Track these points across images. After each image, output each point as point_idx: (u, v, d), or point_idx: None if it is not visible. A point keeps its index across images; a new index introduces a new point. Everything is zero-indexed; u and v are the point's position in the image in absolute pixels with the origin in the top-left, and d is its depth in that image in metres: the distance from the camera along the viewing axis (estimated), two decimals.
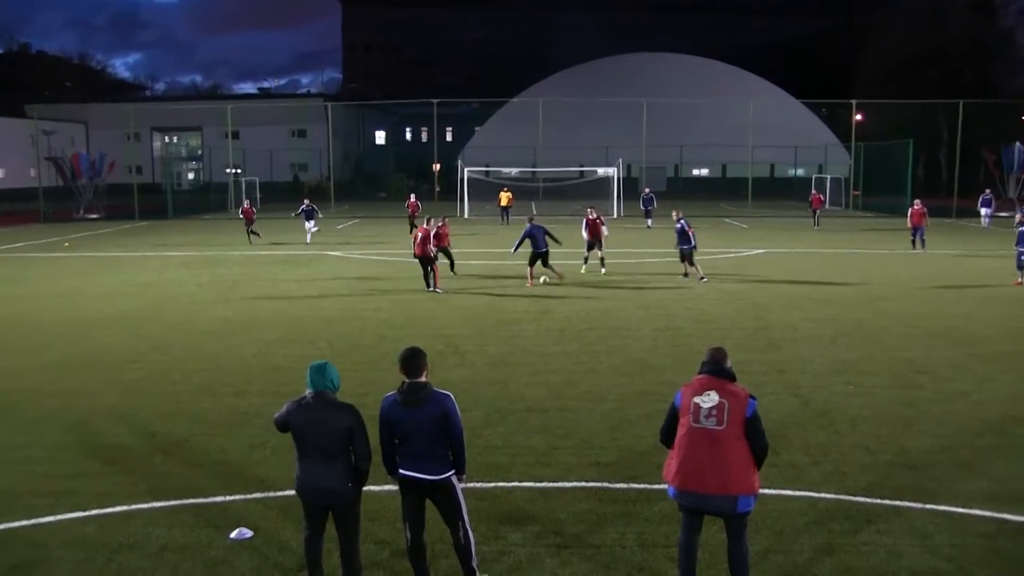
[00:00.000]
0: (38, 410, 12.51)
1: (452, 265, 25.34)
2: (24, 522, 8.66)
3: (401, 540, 7.35)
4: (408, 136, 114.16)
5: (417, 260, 22.83)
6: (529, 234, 23.74)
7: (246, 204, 38.86)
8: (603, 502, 8.99)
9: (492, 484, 9.37)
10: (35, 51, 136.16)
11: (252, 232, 37.50)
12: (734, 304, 20.79)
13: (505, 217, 46.55)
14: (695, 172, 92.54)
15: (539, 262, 23.76)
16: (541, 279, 23.98)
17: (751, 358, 14.90)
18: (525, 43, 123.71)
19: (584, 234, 26.30)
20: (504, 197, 47.24)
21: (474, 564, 7.11)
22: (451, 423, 6.85)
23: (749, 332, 17.50)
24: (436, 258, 22.92)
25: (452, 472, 6.96)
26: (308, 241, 36.44)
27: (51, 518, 8.75)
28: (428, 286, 22.70)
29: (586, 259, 26.41)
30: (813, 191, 46.71)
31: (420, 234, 22.42)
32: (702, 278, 24.14)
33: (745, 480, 6.66)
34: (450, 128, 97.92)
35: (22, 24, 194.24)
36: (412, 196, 42.58)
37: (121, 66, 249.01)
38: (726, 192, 76.59)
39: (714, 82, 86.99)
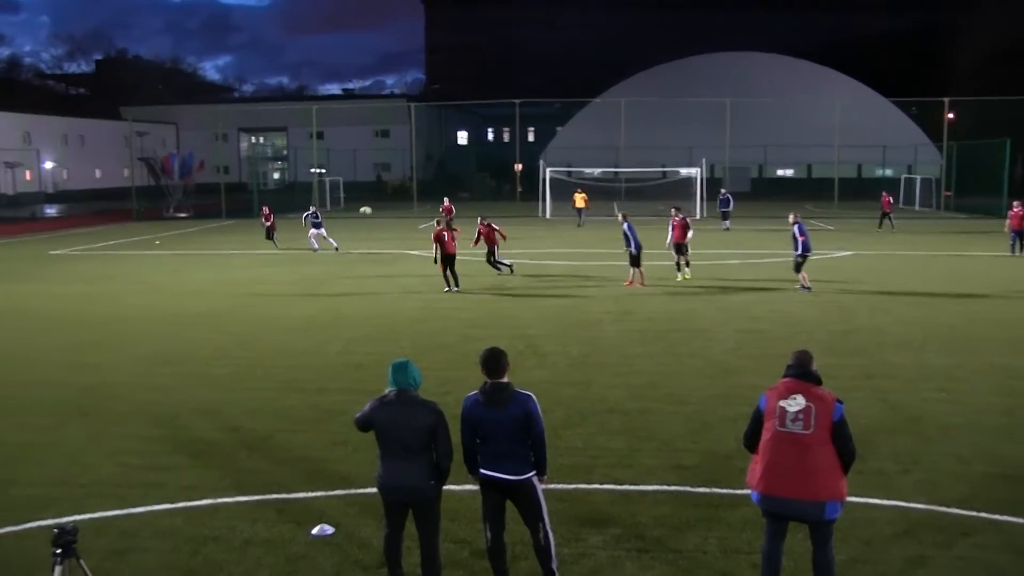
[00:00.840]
0: (129, 403, 12.84)
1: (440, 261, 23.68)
2: (117, 511, 8.88)
3: (481, 540, 7.33)
4: (490, 136, 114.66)
5: (444, 260, 23.02)
6: (628, 232, 23.46)
7: (266, 209, 37.38)
8: (685, 506, 8.86)
9: (573, 486, 9.31)
10: (131, 56, 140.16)
11: (270, 234, 35.87)
12: (819, 307, 20.36)
13: (580, 218, 45.90)
14: (779, 172, 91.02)
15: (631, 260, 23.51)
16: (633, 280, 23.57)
17: (837, 362, 14.55)
18: (608, 43, 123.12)
19: (670, 237, 25.16)
20: (579, 199, 46.60)
21: (554, 566, 7.06)
22: (533, 424, 6.81)
23: (835, 336, 17.12)
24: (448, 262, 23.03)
25: (533, 473, 6.92)
26: (316, 248, 33.75)
27: (141, 509, 8.95)
28: (453, 285, 22.94)
29: (679, 265, 24.69)
30: (884, 193, 45.29)
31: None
32: (804, 287, 22.40)
33: (833, 486, 6.48)
34: (532, 128, 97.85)
35: (121, 30, 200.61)
36: (446, 200, 41.97)
37: (211, 69, 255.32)
38: (811, 193, 75.12)
39: (800, 81, 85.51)
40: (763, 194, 75.58)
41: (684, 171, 56.56)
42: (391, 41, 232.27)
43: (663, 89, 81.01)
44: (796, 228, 22.46)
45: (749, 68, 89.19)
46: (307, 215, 35.72)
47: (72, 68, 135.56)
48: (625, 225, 23.61)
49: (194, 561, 7.81)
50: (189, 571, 7.64)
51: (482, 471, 6.92)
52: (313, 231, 34.38)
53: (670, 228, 25.15)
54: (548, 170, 54.70)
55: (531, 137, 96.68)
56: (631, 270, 23.68)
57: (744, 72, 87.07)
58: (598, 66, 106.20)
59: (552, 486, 8.69)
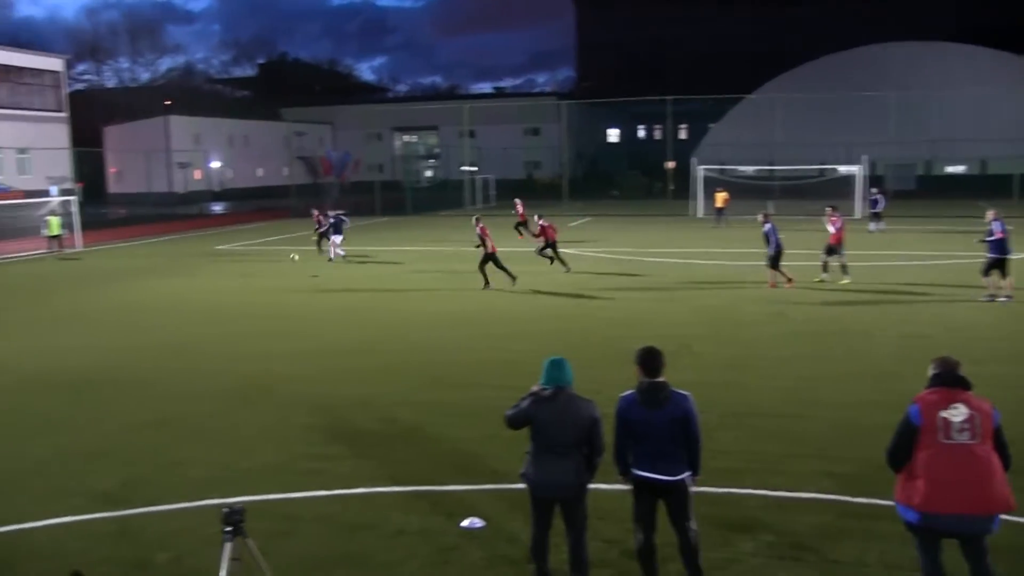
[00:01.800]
0: (288, 393, 13.34)
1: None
2: (279, 495, 9.25)
3: (630, 540, 7.29)
4: (641, 134, 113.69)
5: (491, 258, 23.49)
6: (770, 233, 22.89)
7: (315, 212, 35.41)
8: (841, 516, 8.58)
9: (723, 490, 9.14)
10: (291, 59, 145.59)
11: (320, 238, 33.69)
12: (992, 312, 19.34)
13: (719, 218, 44.50)
14: (948, 170, 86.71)
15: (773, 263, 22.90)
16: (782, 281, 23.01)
17: (1007, 371, 13.79)
18: (764, 36, 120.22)
19: (830, 236, 23.67)
20: (719, 198, 45.27)
21: (700, 566, 6.99)
22: (691, 424, 6.75)
23: (1008, 343, 16.25)
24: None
25: (688, 473, 6.85)
26: (333, 257, 31.15)
27: (301, 494, 9.29)
28: (511, 279, 23.40)
29: (825, 266, 23.70)
30: None
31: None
32: (997, 297, 20.41)
33: (1005, 496, 6.12)
34: (684, 126, 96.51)
35: (284, 35, 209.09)
36: (518, 202, 40.68)
37: (367, 70, 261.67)
38: (985, 191, 71.14)
39: (975, 70, 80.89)
40: (930, 192, 72.26)
41: (843, 169, 54.65)
42: (542, 39, 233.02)
43: (825, 82, 78.35)
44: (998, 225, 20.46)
45: (919, 58, 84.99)
46: (333, 219, 31.88)
47: (237, 72, 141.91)
48: (767, 226, 22.98)
49: (349, 547, 8.06)
50: (345, 556, 7.88)
51: (637, 472, 6.85)
52: (336, 237, 31.31)
53: (831, 227, 23.77)
54: (700, 168, 53.88)
55: (683, 135, 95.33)
56: (769, 272, 23.03)
57: (913, 62, 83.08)
58: (754, 60, 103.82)
59: (702, 489, 8.53)
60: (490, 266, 23.69)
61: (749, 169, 64.05)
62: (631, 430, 6.80)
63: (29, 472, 10.20)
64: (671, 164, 63.88)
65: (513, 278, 23.51)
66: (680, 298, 21.60)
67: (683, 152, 71.60)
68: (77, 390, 13.80)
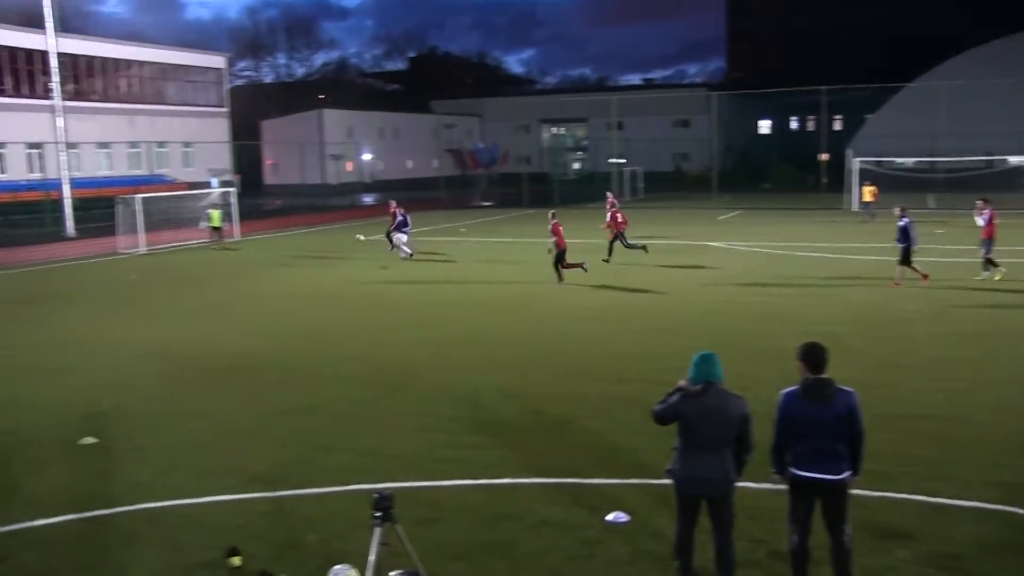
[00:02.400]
0: (434, 382, 13.55)
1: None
2: (424, 483, 9.40)
3: (778, 540, 7.11)
4: (794, 125, 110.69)
5: (560, 254, 23.57)
6: (908, 227, 21.90)
7: (393, 205, 33.23)
8: (1009, 528, 8.12)
9: (878, 494, 8.78)
10: (441, 53, 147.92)
11: (393, 234, 31.47)
12: None
13: (868, 212, 42.58)
14: None
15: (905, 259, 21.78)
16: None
17: None
18: (927, 22, 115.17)
19: (982, 231, 22.73)
20: (867, 192, 43.43)
21: (852, 569, 6.74)
22: (857, 421, 6.55)
23: None
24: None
25: (849, 473, 6.62)
26: (405, 254, 30.00)
27: (446, 483, 9.42)
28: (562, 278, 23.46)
29: (991, 262, 22.44)
30: None
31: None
32: None
33: None
34: (839, 116, 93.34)
35: (435, 29, 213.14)
36: (610, 195, 39.02)
37: (515, 62, 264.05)
38: None
39: None
40: None
41: (1014, 159, 51.81)
42: (694, 30, 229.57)
43: (994, 67, 74.38)
44: None
45: None
46: (400, 218, 30.63)
47: (389, 66, 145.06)
48: (904, 220, 21.90)
49: (493, 536, 8.11)
50: (489, 545, 7.94)
51: (797, 471, 6.66)
52: (399, 235, 30.38)
53: (980, 220, 22.75)
54: (856, 160, 51.99)
55: (838, 125, 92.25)
56: (898, 269, 21.93)
57: None
58: (916, 46, 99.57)
59: (855, 492, 8.22)
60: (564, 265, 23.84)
61: (909, 161, 61.41)
62: (793, 427, 6.61)
63: (188, 451, 10.68)
64: (825, 156, 61.84)
65: (561, 278, 23.53)
66: (832, 294, 20.92)
67: (838, 144, 69.31)
68: (232, 375, 14.38)
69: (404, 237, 30.40)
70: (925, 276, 21.74)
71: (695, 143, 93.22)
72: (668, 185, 77.70)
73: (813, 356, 6.61)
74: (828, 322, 17.44)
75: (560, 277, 23.60)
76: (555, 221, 24.05)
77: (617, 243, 27.93)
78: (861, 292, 21.22)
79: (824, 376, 6.57)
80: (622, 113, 70.91)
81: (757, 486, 8.34)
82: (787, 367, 12.94)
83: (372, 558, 6.15)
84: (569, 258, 23.92)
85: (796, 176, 77.75)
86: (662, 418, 6.91)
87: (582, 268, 23.94)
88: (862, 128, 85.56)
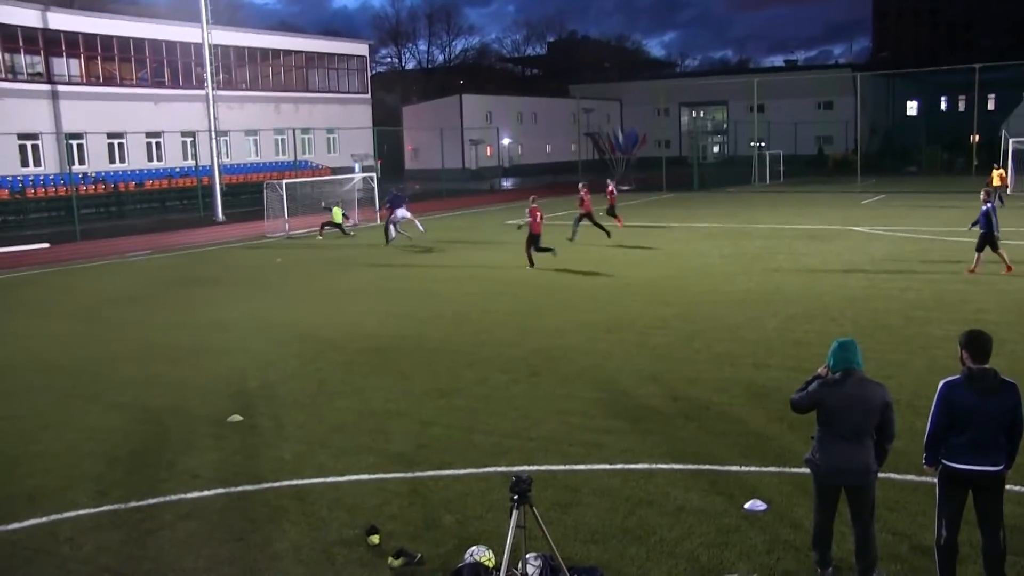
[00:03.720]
0: (574, 366, 13.57)
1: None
2: (561, 467, 9.44)
3: (922, 534, 6.88)
4: (943, 106, 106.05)
5: (533, 238, 24.12)
6: (989, 212, 20.64)
7: (609, 185, 34.63)
8: None
9: None
10: (580, 36, 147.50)
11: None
12: None
13: (996, 198, 39.77)
14: None
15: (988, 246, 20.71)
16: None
17: None
18: None
19: None
20: (996, 175, 40.87)
21: (1004, 568, 6.44)
22: (1020, 413, 6.24)
23: None
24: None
25: (1005, 465, 6.33)
26: (393, 237, 30.66)
27: (582, 466, 9.43)
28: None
29: None
30: None
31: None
32: None
33: None
34: (992, 95, 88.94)
35: (577, 14, 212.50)
36: (610, 183, 37.56)
37: (656, 45, 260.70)
38: None
39: None
40: None
41: None
42: (839, 10, 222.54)
43: None
44: None
45: None
46: (390, 197, 31.54)
47: (528, 51, 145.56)
48: (988, 205, 20.64)
49: (629, 521, 8.08)
50: (624, 530, 7.91)
51: (953, 464, 6.36)
52: (400, 214, 30.78)
53: None
54: (1011, 140, 49.43)
55: (991, 105, 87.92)
56: (977, 255, 20.89)
57: None
58: None
59: (1010, 488, 7.85)
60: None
61: None
62: (956, 417, 6.31)
63: (331, 430, 10.99)
64: (976, 137, 59.03)
65: (531, 263, 23.99)
66: (984, 281, 19.98)
67: (991, 124, 66.08)
68: (375, 356, 14.72)
69: (407, 214, 31.26)
70: (1009, 267, 20.77)
71: (839, 126, 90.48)
72: (810, 169, 75.71)
73: (979, 344, 6.34)
74: (980, 310, 16.68)
75: (531, 262, 24.02)
76: (534, 206, 24.57)
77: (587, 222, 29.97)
78: (1016, 279, 20.16)
79: (988, 366, 6.29)
80: (763, 95, 69.27)
81: (900, 477, 8.08)
82: (933, 355, 12.51)
83: (508, 540, 6.22)
84: (543, 242, 24.33)
85: (945, 159, 74.66)
86: (800, 406, 6.77)
87: (551, 254, 24.15)
88: (1018, 107, 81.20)
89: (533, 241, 24.18)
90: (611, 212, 33.41)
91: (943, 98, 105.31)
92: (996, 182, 40.33)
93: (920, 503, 7.99)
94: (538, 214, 24.32)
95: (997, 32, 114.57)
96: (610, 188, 34.62)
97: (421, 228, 32.10)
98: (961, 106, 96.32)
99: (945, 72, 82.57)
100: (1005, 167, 47.27)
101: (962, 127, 71.65)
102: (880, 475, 6.77)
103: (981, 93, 61.00)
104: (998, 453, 6.27)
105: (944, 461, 6.41)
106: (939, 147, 79.09)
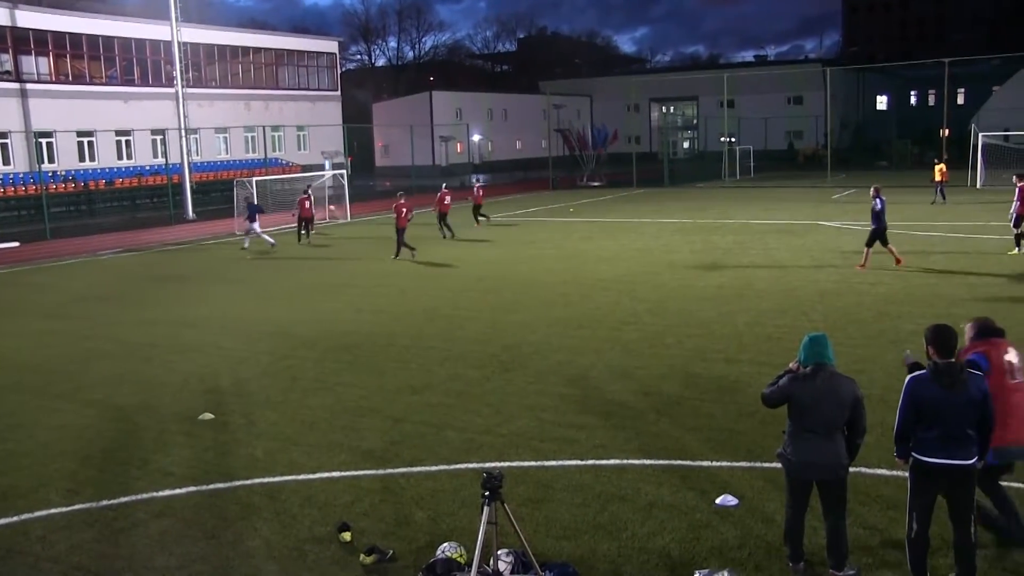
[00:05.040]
0: (545, 362, 13.58)
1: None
2: (533, 463, 9.46)
3: (893, 528, 6.93)
4: (914, 100, 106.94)
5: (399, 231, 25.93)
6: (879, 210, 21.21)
7: (476, 184, 35.08)
8: None
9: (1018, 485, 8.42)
10: (551, 33, 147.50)
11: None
12: None
13: (938, 193, 40.04)
14: None
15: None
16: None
17: None
18: None
19: (1015, 205, 22.64)
20: (937, 171, 41.05)
21: (975, 561, 6.51)
22: (988, 405, 6.33)
23: None
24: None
25: (976, 457, 6.40)
26: (248, 244, 30.28)
27: (554, 462, 9.45)
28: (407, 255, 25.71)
29: (1019, 238, 22.48)
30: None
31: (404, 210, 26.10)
32: None
33: None
34: (962, 90, 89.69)
35: (549, 9, 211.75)
36: (477, 181, 38.17)
37: (627, 41, 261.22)
38: None
39: None
40: None
41: None
42: (811, 4, 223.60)
43: None
44: None
45: None
46: (246, 207, 30.89)
47: (499, 48, 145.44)
48: (877, 202, 21.26)
49: (601, 517, 8.10)
50: (596, 526, 7.93)
51: (925, 458, 6.41)
52: (252, 225, 29.98)
53: (1017, 195, 22.66)
54: (981, 135, 49.88)
55: (960, 99, 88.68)
56: (866, 250, 21.52)
57: None
58: None
59: (1011, 483, 7.88)
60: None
61: None
62: (923, 412, 6.37)
63: (304, 427, 10.96)
64: (946, 131, 59.55)
65: (396, 254, 25.86)
66: (957, 274, 20.18)
67: (961, 119, 66.72)
68: (347, 353, 14.68)
69: (257, 227, 29.95)
70: (899, 261, 21.29)
71: (809, 120, 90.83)
72: (781, 164, 76.10)
73: (944, 339, 6.39)
74: (952, 304, 16.82)
75: (397, 253, 25.79)
76: (401, 202, 26.28)
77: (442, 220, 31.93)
78: (984, 274, 20.36)
79: (954, 360, 6.35)
80: (733, 91, 69.51)
81: (871, 471, 8.14)
82: (903, 350, 12.62)
83: (480, 536, 6.22)
84: (407, 240, 25.95)
85: (915, 153, 75.25)
86: (771, 400, 6.81)
87: (411, 253, 25.67)
88: (988, 102, 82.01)
89: (399, 234, 25.91)
90: (476, 212, 35.67)
91: (913, 93, 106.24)
92: (937, 177, 40.66)
93: (891, 497, 8.06)
94: (403, 210, 26.06)
95: (967, 27, 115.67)
96: (477, 187, 37.14)
97: (271, 242, 30.16)
98: (931, 100, 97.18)
99: (915, 67, 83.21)
100: (975, 161, 47.77)
101: (932, 121, 72.20)
102: (851, 469, 6.82)
103: (951, 88, 61.52)
104: (969, 447, 6.34)
105: (915, 455, 6.47)
106: (909, 141, 79.71)
